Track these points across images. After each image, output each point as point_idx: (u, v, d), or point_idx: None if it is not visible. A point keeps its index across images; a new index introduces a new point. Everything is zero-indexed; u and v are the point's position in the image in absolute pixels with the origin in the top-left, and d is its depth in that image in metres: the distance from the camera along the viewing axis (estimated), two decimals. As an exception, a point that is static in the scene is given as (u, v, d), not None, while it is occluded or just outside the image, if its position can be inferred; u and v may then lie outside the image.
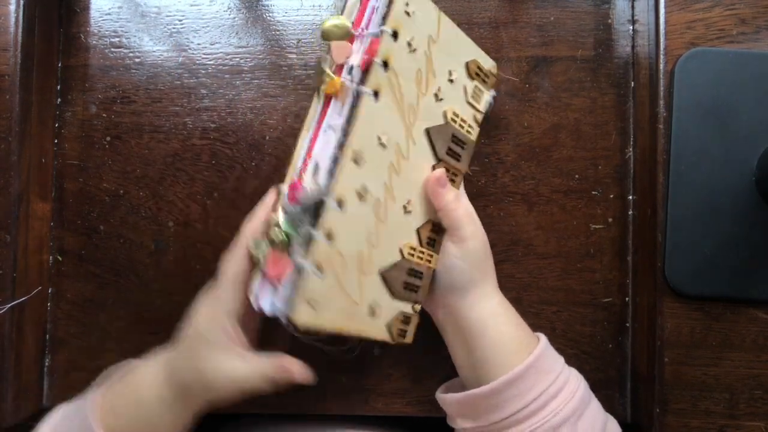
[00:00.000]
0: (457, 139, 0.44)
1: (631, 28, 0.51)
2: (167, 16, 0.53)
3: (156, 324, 0.51)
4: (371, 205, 0.39)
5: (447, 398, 0.45)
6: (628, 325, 0.51)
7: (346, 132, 0.37)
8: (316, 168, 0.38)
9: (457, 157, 0.45)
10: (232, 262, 0.41)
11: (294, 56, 0.52)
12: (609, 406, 0.45)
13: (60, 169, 0.53)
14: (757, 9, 0.48)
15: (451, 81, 0.43)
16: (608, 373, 0.50)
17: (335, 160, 0.37)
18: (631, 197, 0.51)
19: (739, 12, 0.48)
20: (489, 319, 0.43)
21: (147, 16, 0.53)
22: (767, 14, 0.48)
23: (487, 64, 0.46)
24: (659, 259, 0.47)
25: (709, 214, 0.47)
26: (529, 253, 0.51)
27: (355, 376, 0.52)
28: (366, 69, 0.38)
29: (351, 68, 0.39)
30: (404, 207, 0.42)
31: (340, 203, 0.37)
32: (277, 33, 0.53)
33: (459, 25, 0.50)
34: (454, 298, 0.44)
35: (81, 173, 0.53)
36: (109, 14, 0.53)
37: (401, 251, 0.42)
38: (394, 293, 0.42)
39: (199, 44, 0.53)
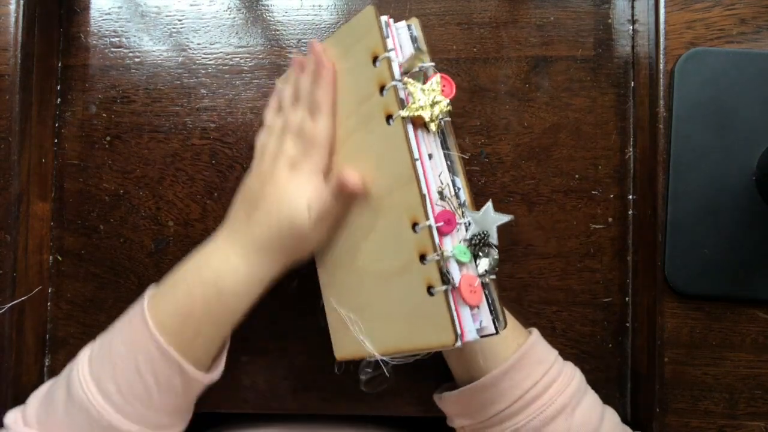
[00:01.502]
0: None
1: (631, 28, 0.51)
2: (167, 16, 0.53)
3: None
4: None
5: (444, 397, 0.45)
6: (628, 324, 0.51)
7: (448, 156, 0.39)
8: (442, 195, 0.38)
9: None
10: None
11: (294, 56, 0.52)
12: (609, 405, 0.45)
13: (60, 169, 0.53)
14: (757, 9, 0.48)
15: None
16: (608, 373, 0.50)
17: (455, 184, 0.39)
18: (631, 197, 0.51)
19: (739, 12, 0.48)
20: None
21: (147, 16, 0.53)
22: (767, 14, 0.48)
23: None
24: (659, 259, 0.47)
25: (709, 214, 0.47)
26: (529, 253, 0.51)
27: (355, 376, 0.52)
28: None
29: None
30: None
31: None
32: (277, 33, 0.53)
33: (459, 25, 0.50)
34: None
35: (81, 173, 0.53)
36: (109, 14, 0.53)
37: None
38: None
39: (199, 44, 0.53)
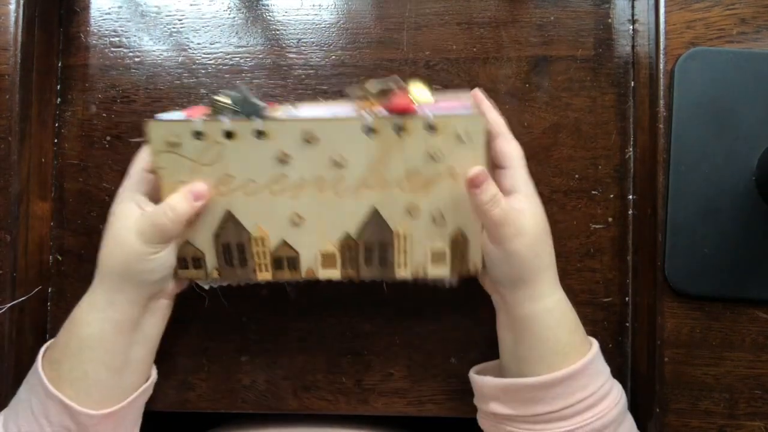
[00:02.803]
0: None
1: (631, 27, 0.51)
2: (167, 15, 0.53)
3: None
4: None
5: (486, 381, 0.44)
6: (628, 324, 0.51)
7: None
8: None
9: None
10: (140, 160, 0.44)
11: (294, 56, 0.52)
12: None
13: (60, 169, 0.53)
14: (757, 9, 0.47)
15: None
16: (608, 372, 0.50)
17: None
18: (631, 197, 0.51)
19: (739, 12, 0.48)
20: (539, 319, 0.42)
21: (147, 15, 0.53)
22: (767, 14, 0.48)
23: None
24: (659, 258, 0.47)
25: (709, 214, 0.47)
26: (529, 252, 0.51)
27: (355, 376, 0.52)
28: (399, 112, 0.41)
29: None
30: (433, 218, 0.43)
31: None
32: (277, 33, 0.53)
33: (459, 25, 0.50)
34: (504, 291, 0.43)
35: (81, 173, 0.53)
36: (109, 14, 0.53)
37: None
38: None
39: (199, 44, 0.53)
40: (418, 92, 0.42)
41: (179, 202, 0.41)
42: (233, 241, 0.44)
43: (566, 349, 0.41)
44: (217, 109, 0.41)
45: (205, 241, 0.44)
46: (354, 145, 0.41)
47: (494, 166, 0.44)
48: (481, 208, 0.41)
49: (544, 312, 0.42)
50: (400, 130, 0.40)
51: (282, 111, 0.43)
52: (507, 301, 0.43)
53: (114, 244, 0.42)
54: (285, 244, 0.44)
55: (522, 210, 0.41)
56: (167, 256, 0.42)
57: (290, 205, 0.43)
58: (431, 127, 0.40)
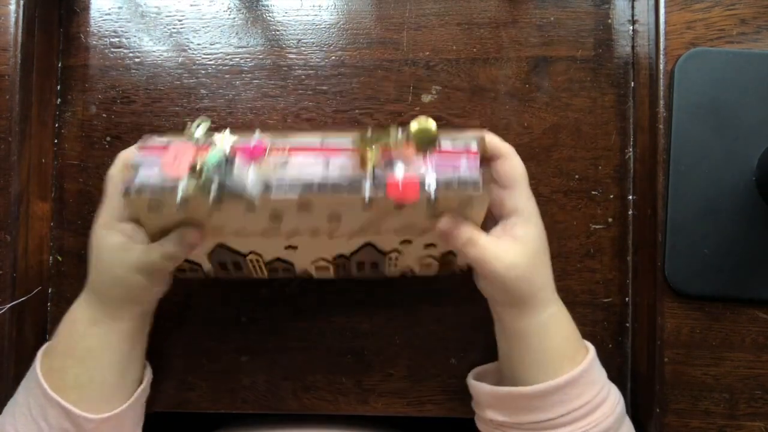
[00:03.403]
0: None
1: (631, 28, 0.51)
2: (167, 16, 0.53)
3: (154, 323, 0.51)
4: None
5: (483, 388, 0.45)
6: (628, 325, 0.51)
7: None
8: None
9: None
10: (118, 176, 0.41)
11: (294, 56, 0.52)
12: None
13: (60, 169, 0.53)
14: (757, 9, 0.47)
15: None
16: (608, 373, 0.50)
17: None
18: (631, 197, 0.51)
19: (739, 12, 0.48)
20: (531, 333, 0.42)
21: (147, 16, 0.53)
22: (767, 14, 0.48)
23: None
24: (659, 259, 0.47)
25: (709, 214, 0.47)
26: (529, 253, 0.51)
27: (355, 376, 0.52)
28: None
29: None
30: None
31: None
32: (277, 33, 0.53)
33: (459, 25, 0.50)
34: (495, 306, 0.44)
35: (81, 173, 0.53)
36: (109, 14, 0.53)
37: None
38: None
39: (199, 44, 0.53)
40: (421, 139, 0.38)
41: (175, 248, 0.40)
42: (228, 259, 0.45)
43: (559, 359, 0.41)
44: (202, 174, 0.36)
45: (199, 257, 0.45)
46: (351, 211, 0.39)
47: (498, 185, 0.42)
48: (459, 251, 0.41)
49: (537, 326, 0.42)
50: (400, 207, 0.38)
51: (272, 160, 0.37)
52: (499, 314, 0.44)
53: (113, 280, 0.41)
54: (279, 259, 0.45)
55: (515, 239, 0.41)
56: (168, 281, 0.45)
57: (284, 242, 0.42)
58: (432, 200, 0.37)
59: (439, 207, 0.38)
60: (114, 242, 0.41)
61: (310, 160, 0.37)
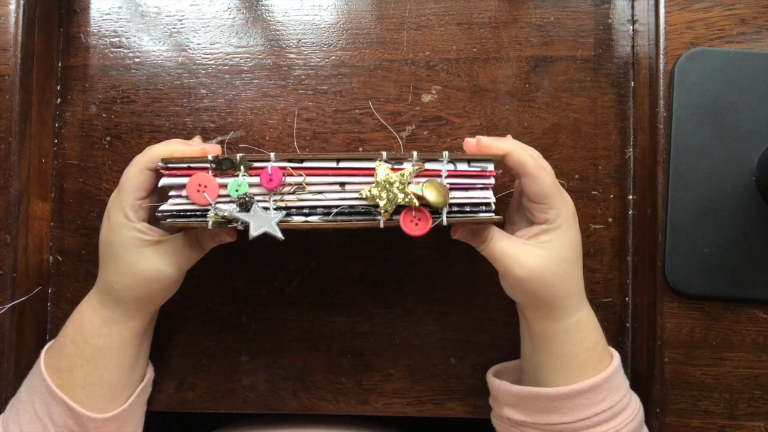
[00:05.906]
0: None
1: (631, 28, 0.51)
2: (167, 16, 0.53)
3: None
4: None
5: (503, 386, 0.44)
6: (628, 325, 0.51)
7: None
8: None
9: None
10: (134, 172, 0.41)
11: (294, 56, 0.52)
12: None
13: (60, 169, 0.53)
14: (757, 9, 0.47)
15: None
16: (608, 373, 0.50)
17: None
18: (631, 197, 0.51)
19: (739, 12, 0.48)
20: (556, 337, 0.42)
21: (147, 16, 0.53)
22: (767, 14, 0.48)
23: None
24: (659, 259, 0.47)
25: (709, 214, 0.47)
26: (529, 253, 0.51)
27: (355, 376, 0.52)
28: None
29: None
30: None
31: None
32: (277, 33, 0.53)
33: (459, 25, 0.50)
34: (520, 306, 0.44)
35: (81, 173, 0.53)
36: (109, 14, 0.53)
37: None
38: None
39: (199, 44, 0.53)
40: (433, 204, 0.38)
41: (212, 244, 0.43)
42: None
43: (582, 365, 0.41)
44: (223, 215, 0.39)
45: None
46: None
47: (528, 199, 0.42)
48: (481, 247, 0.41)
49: (561, 332, 0.42)
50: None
51: (288, 188, 0.39)
52: (525, 315, 0.44)
53: (134, 279, 0.41)
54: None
55: (541, 243, 0.40)
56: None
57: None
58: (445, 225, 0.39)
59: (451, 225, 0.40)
60: (135, 240, 0.41)
61: (327, 183, 0.39)
